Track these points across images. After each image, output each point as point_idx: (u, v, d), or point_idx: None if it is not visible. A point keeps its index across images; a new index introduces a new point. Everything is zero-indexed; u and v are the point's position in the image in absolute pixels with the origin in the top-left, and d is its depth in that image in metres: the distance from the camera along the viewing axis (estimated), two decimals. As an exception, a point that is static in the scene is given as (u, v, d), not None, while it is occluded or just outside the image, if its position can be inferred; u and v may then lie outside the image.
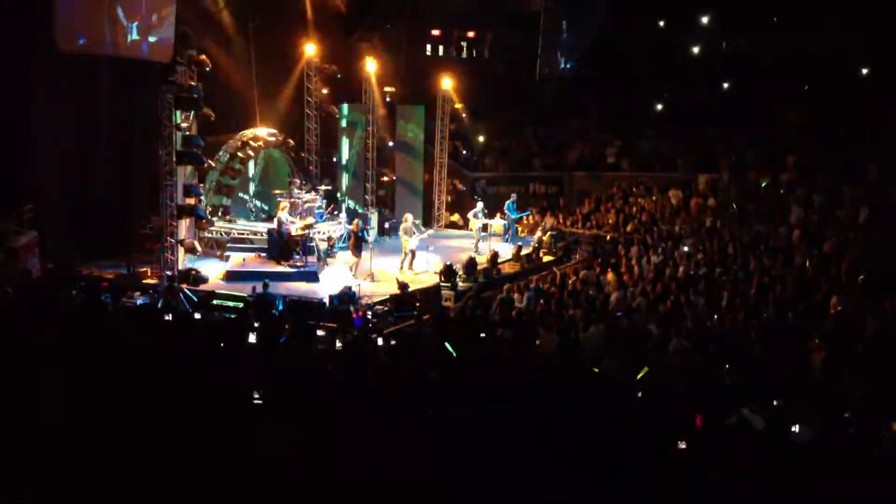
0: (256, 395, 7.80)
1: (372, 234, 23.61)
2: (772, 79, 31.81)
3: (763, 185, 26.79)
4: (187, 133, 19.49)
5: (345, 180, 26.67)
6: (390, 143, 27.46)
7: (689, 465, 6.75)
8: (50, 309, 12.10)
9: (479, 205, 24.29)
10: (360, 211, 24.65)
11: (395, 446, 6.58)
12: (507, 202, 25.41)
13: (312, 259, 20.40)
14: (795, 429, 8.36)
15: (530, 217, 27.58)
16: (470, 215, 24.41)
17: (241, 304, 16.92)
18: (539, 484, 5.76)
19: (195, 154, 19.56)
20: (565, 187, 30.75)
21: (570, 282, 18.88)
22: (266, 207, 24.08)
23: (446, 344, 11.31)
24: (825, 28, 30.66)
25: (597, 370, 10.56)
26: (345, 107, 26.54)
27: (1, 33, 18.13)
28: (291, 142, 24.49)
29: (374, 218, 24.56)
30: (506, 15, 32.10)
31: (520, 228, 26.18)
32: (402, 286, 17.92)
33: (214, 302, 17.27)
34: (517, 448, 6.35)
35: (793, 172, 26.94)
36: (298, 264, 20.13)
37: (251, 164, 23.80)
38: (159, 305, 15.98)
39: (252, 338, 11.67)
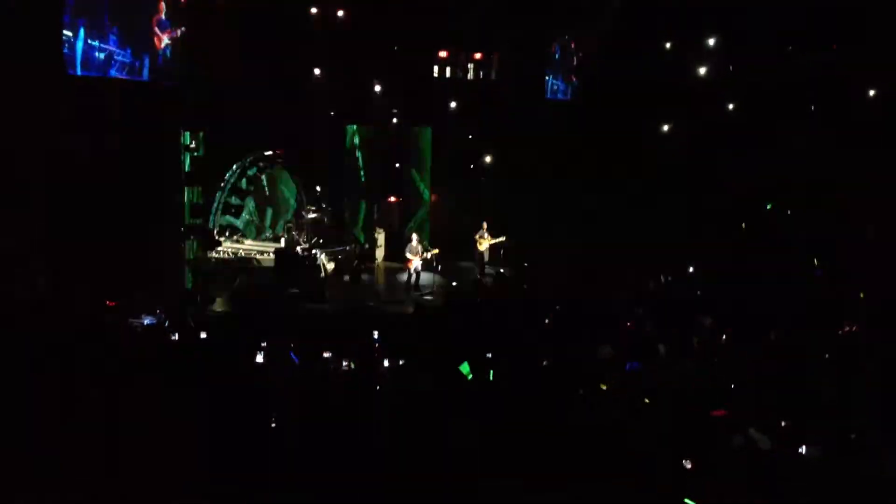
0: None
1: (380, 254, 23.65)
2: (779, 101, 31.86)
3: (769, 207, 26.82)
4: (195, 153, 19.59)
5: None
6: (396, 164, 27.50)
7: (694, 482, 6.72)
8: (57, 327, 12.14)
9: (484, 225, 24.27)
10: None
11: (402, 463, 6.57)
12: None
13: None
14: (802, 450, 8.33)
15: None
16: (476, 237, 24.40)
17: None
18: (543, 498, 5.76)
19: (203, 174, 19.65)
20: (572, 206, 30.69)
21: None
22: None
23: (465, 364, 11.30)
24: (832, 50, 30.75)
25: (604, 387, 10.54)
26: (352, 128, 26.62)
27: (8, 54, 18.28)
28: (299, 162, 24.58)
29: (380, 238, 24.57)
30: (513, 37, 32.18)
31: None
32: (417, 307, 17.94)
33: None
34: (519, 461, 6.35)
35: (800, 192, 26.93)
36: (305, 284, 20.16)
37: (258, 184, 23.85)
38: (166, 325, 15.99)
39: (259, 357, 11.68)
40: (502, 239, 24.84)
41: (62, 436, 6.36)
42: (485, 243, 23.86)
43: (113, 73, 16.29)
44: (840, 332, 15.23)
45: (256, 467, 6.14)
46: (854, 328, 15.19)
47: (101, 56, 15.87)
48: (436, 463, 6.34)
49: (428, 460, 6.39)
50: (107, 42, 15.95)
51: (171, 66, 17.72)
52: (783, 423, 9.49)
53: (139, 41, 16.80)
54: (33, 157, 19.21)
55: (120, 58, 16.25)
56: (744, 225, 25.57)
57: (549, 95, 28.26)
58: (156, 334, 14.21)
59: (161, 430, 6.55)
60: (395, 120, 27.63)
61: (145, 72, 17.18)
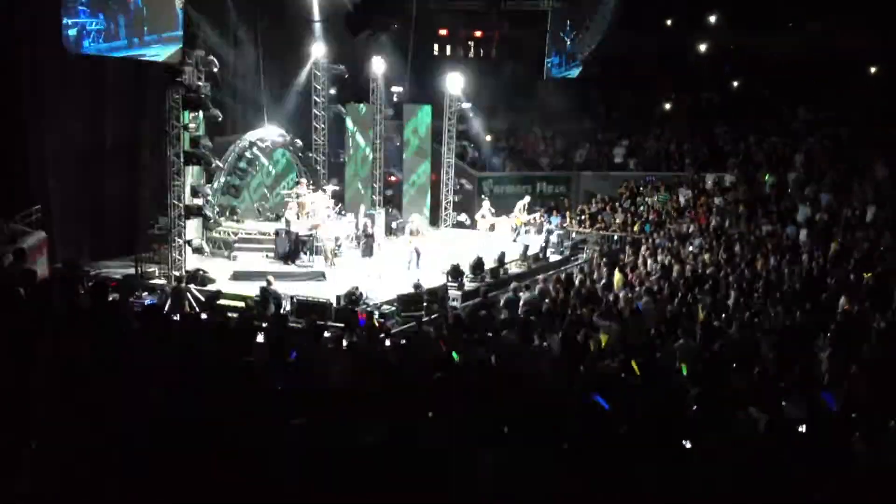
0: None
1: (380, 233, 23.64)
2: (780, 77, 31.79)
3: (766, 178, 26.80)
4: (195, 133, 19.55)
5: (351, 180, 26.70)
6: (397, 143, 27.49)
7: (694, 464, 6.75)
8: (57, 309, 12.12)
9: (486, 204, 24.27)
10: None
11: (400, 448, 6.58)
12: (518, 203, 25.34)
13: (319, 259, 20.45)
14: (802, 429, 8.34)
15: (537, 217, 27.55)
16: (477, 216, 24.41)
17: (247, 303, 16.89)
18: (543, 483, 5.78)
19: (203, 154, 19.63)
20: (572, 187, 30.75)
21: (577, 281, 18.85)
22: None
23: (453, 354, 11.31)
24: (833, 26, 30.64)
25: (604, 368, 10.57)
26: (352, 106, 26.57)
27: (8, 34, 18.24)
28: (299, 142, 24.53)
29: (381, 217, 24.58)
30: (513, 14, 32.09)
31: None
32: (417, 287, 17.91)
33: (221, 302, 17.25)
34: (521, 447, 6.37)
35: (800, 171, 26.90)
36: (305, 264, 20.19)
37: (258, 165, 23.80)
38: (167, 306, 16.03)
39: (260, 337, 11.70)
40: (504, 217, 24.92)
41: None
42: (485, 222, 23.88)
43: (88, 43, 15.95)
44: (839, 311, 15.25)
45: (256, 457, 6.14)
46: (854, 307, 15.21)
47: (73, 32, 15.62)
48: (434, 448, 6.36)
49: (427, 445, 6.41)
50: (75, 15, 15.60)
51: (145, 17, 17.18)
52: (782, 403, 9.53)
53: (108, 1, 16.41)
54: (35, 138, 19.23)
55: (93, 27, 15.90)
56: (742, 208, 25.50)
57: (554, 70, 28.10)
58: (157, 314, 14.20)
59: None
60: (395, 99, 27.58)
61: (122, 31, 16.72)
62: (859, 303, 15.39)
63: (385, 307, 17.39)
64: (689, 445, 7.02)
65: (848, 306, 15.27)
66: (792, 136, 29.80)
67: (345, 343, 12.43)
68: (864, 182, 24.60)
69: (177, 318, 13.97)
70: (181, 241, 18.94)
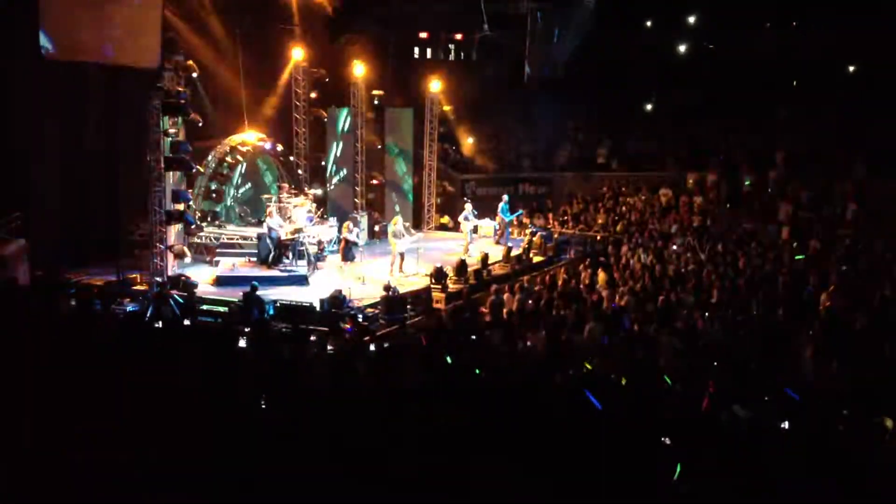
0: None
1: (362, 237, 23.53)
2: (760, 77, 31.95)
3: (747, 182, 26.93)
4: (175, 139, 19.44)
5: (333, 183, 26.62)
6: (379, 146, 27.44)
7: (676, 462, 6.76)
8: (39, 316, 12.04)
9: (469, 206, 24.23)
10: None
11: (388, 449, 6.57)
12: (500, 204, 25.24)
13: (302, 263, 20.37)
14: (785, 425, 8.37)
15: (523, 218, 27.56)
16: (460, 218, 24.36)
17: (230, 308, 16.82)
18: (525, 484, 5.78)
19: (183, 159, 19.52)
20: (555, 188, 30.78)
21: (560, 282, 18.86)
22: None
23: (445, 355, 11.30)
24: (812, 26, 30.86)
25: (589, 368, 10.58)
26: (333, 110, 26.49)
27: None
28: (280, 146, 24.44)
29: (363, 221, 24.49)
30: (493, 16, 32.10)
31: (514, 231, 25.85)
32: (388, 289, 17.82)
33: (204, 307, 17.21)
34: (505, 449, 6.36)
35: (781, 170, 27.04)
36: (288, 269, 20.11)
37: (239, 169, 23.71)
38: (149, 312, 15.91)
39: (242, 342, 11.65)
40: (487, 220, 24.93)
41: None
42: (468, 224, 23.83)
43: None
44: (821, 308, 15.33)
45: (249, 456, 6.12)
46: (835, 304, 15.28)
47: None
48: (424, 450, 6.35)
49: (416, 446, 6.40)
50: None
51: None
52: (765, 400, 9.56)
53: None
54: (14, 144, 19.11)
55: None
56: (728, 205, 25.66)
57: (535, 72, 28.16)
58: (139, 321, 14.15)
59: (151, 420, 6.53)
60: (376, 102, 27.53)
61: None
62: (840, 300, 15.47)
63: (369, 311, 17.35)
64: (669, 443, 7.03)
65: (829, 303, 15.36)
66: (772, 134, 29.97)
67: (329, 347, 12.42)
68: (843, 180, 24.77)
69: (159, 324, 13.89)
70: (162, 247, 18.83)
